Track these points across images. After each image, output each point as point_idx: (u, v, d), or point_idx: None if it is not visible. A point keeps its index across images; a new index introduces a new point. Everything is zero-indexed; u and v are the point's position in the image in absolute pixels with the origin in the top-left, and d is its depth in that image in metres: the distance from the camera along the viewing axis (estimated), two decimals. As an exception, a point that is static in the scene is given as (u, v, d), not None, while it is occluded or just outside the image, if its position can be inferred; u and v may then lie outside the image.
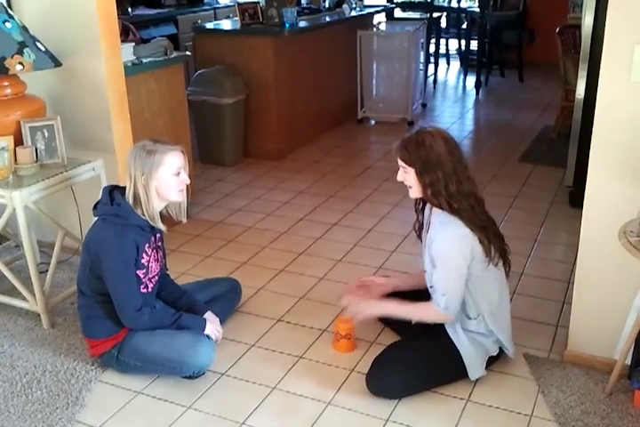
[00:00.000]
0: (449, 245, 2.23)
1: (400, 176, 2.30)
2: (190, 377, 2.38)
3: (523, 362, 2.48)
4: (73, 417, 2.23)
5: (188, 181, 2.36)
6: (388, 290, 2.63)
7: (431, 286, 2.37)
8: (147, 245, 2.34)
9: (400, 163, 2.27)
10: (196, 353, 2.32)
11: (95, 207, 2.35)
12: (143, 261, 2.32)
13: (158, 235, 2.43)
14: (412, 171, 2.23)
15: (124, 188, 2.33)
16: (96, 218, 2.36)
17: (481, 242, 2.22)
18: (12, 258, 3.23)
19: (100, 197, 2.36)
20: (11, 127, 2.72)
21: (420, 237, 2.49)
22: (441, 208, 2.24)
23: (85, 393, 2.35)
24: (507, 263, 2.37)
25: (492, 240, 2.26)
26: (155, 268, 2.41)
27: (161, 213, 2.39)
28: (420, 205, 2.44)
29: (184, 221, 2.48)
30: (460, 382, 2.35)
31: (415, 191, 2.29)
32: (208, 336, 2.41)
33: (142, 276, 2.33)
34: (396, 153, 2.27)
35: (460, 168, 2.22)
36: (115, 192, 2.33)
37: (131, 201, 2.29)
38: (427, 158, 2.19)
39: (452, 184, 2.20)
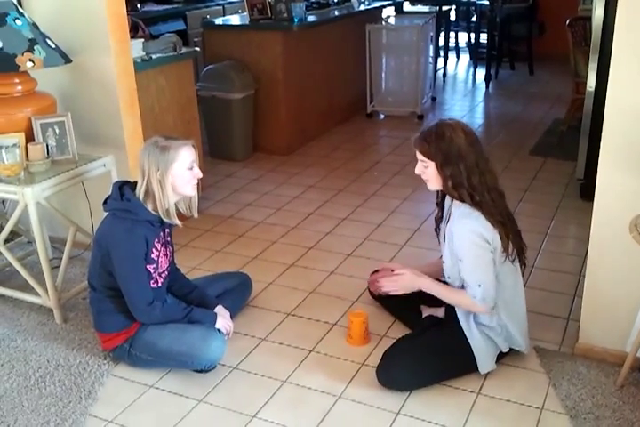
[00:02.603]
0: (471, 237, 2.19)
1: (418, 169, 2.26)
2: (202, 371, 2.39)
3: (533, 355, 2.48)
4: (86, 411, 2.25)
5: (201, 175, 2.38)
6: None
7: (449, 277, 2.36)
8: (156, 240, 2.35)
9: (419, 156, 2.22)
10: (207, 347, 2.33)
11: (105, 202, 2.37)
12: (153, 255, 2.33)
13: (167, 230, 2.44)
14: (431, 164, 2.19)
15: (135, 183, 2.34)
16: (106, 213, 2.38)
17: (500, 237, 2.20)
18: (25, 254, 3.26)
19: (110, 193, 2.38)
20: (22, 124, 2.73)
21: (437, 230, 2.48)
22: (462, 201, 2.20)
23: (98, 387, 2.37)
24: (522, 262, 2.35)
25: (511, 237, 2.23)
26: (164, 263, 2.43)
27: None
28: (439, 199, 2.42)
29: (195, 215, 2.48)
30: (471, 375, 2.36)
31: (434, 184, 2.25)
32: (219, 330, 2.42)
33: (152, 271, 2.35)
34: (414, 146, 2.22)
35: (481, 161, 2.18)
36: (125, 187, 2.34)
37: (141, 196, 2.30)
38: (448, 151, 2.15)
39: (475, 176, 2.16)
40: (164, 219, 2.33)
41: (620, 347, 2.37)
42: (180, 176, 2.29)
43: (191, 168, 2.31)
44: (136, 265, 2.29)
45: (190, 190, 2.35)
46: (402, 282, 2.42)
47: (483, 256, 2.20)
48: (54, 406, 2.27)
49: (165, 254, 2.43)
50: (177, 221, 2.37)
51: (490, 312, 2.28)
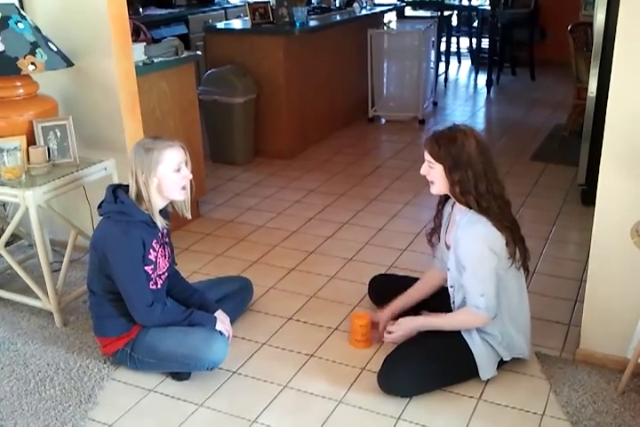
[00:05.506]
0: (478, 244, 2.19)
1: (424, 170, 2.26)
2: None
3: (535, 361, 2.47)
4: (85, 415, 2.25)
5: (191, 177, 2.36)
6: (396, 312, 2.57)
7: (451, 286, 2.36)
8: (154, 240, 2.35)
9: (427, 157, 2.23)
10: (209, 349, 2.32)
11: (100, 206, 2.36)
12: (151, 256, 2.33)
13: (165, 230, 2.44)
14: (439, 166, 2.20)
15: (128, 186, 2.34)
16: (101, 217, 2.37)
17: (506, 243, 2.19)
18: (25, 257, 3.26)
19: (104, 196, 2.37)
20: (23, 127, 2.73)
21: (430, 241, 2.48)
22: (469, 207, 2.20)
23: (98, 391, 2.36)
24: (526, 268, 2.34)
25: (518, 243, 2.24)
26: (163, 264, 2.42)
27: (168, 210, 2.42)
28: (441, 205, 2.41)
29: (188, 216, 2.48)
30: (472, 380, 2.35)
31: (438, 187, 2.26)
32: (220, 332, 2.41)
33: (151, 272, 2.34)
34: (425, 146, 2.23)
35: (489, 170, 2.18)
36: (118, 190, 2.34)
37: (134, 198, 2.30)
38: (457, 156, 2.15)
39: (482, 184, 2.17)
40: (155, 220, 2.32)
41: (622, 353, 2.36)
42: (166, 178, 2.28)
43: (178, 170, 2.30)
44: (134, 267, 2.28)
45: (178, 194, 2.33)
46: (403, 329, 2.43)
47: (487, 266, 2.20)
48: (54, 409, 2.27)
49: (164, 255, 2.43)
50: (159, 224, 2.34)
51: (490, 323, 2.26)
